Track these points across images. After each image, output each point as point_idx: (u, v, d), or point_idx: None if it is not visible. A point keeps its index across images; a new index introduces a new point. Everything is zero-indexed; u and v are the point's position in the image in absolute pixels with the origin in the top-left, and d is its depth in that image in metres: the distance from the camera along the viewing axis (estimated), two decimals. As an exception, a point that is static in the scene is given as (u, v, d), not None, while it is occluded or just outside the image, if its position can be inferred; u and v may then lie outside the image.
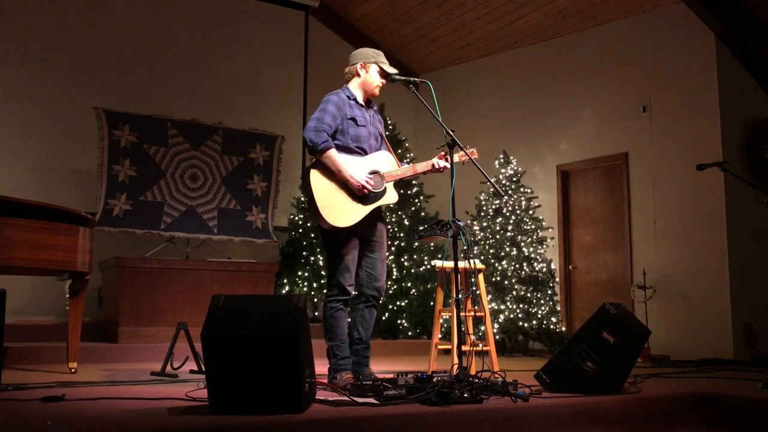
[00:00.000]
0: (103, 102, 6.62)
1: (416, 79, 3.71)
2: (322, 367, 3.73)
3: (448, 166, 3.70)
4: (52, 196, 6.06)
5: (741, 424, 3.33)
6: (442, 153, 3.84)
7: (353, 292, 3.74)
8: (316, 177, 3.58)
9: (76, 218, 4.36)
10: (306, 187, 3.64)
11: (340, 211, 3.57)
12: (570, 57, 7.80)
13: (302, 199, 7.66)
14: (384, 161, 3.77)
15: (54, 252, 4.11)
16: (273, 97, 8.20)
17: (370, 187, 3.59)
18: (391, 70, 3.78)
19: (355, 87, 3.81)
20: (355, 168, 3.62)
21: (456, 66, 9.05)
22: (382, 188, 3.69)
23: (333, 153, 3.57)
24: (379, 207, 3.74)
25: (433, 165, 3.84)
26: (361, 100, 3.80)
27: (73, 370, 4.33)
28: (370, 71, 3.78)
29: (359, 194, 3.60)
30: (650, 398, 3.43)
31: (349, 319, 3.82)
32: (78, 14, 7.27)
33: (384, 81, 3.82)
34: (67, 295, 4.44)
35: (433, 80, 4.04)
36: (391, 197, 3.74)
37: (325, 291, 4.25)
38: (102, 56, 7.30)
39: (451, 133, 3.55)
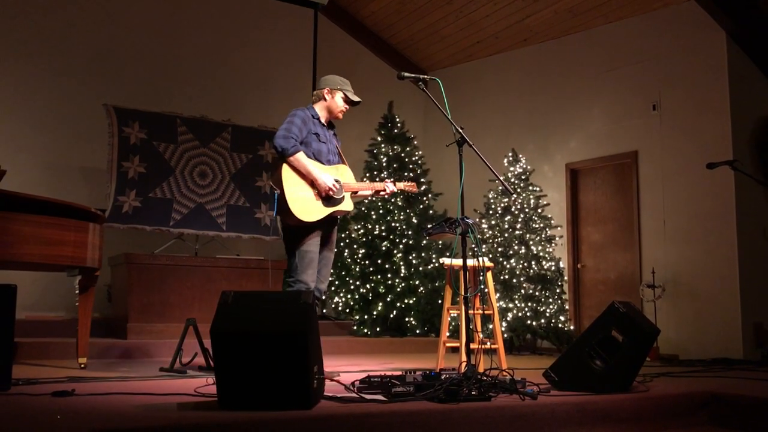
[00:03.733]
0: (113, 99, 6.64)
1: (425, 76, 3.81)
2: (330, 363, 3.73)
3: (395, 190, 4.23)
4: (62, 192, 6.08)
5: (751, 424, 3.31)
6: (393, 181, 4.28)
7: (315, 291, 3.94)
8: (287, 173, 3.83)
9: (86, 214, 4.38)
10: (277, 182, 3.83)
11: (306, 207, 3.82)
12: (580, 55, 7.77)
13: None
14: (344, 173, 4.10)
15: (64, 248, 4.12)
16: (282, 95, 8.20)
17: (334, 191, 3.89)
18: (355, 98, 4.14)
19: (320, 108, 4.14)
20: (322, 171, 3.91)
21: (465, 64, 9.04)
22: (342, 196, 3.98)
23: (302, 156, 3.86)
24: (336, 215, 4.03)
25: (384, 187, 4.20)
26: (323, 120, 4.13)
27: (82, 366, 4.36)
28: (335, 97, 4.14)
29: (324, 195, 3.88)
30: (659, 397, 3.43)
31: None
32: (89, 12, 7.29)
33: (347, 107, 4.17)
34: (77, 291, 4.46)
35: (443, 78, 4.04)
36: (348, 205, 4.03)
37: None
38: (112, 54, 7.32)
39: (461, 131, 3.59)
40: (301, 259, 3.88)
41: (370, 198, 4.50)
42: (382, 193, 4.22)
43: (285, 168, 3.83)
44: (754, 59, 6.79)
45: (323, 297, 4.11)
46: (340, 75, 4.22)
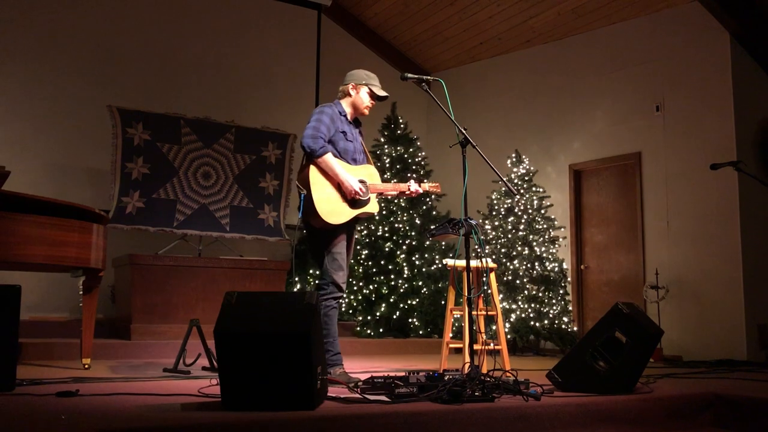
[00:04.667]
0: (117, 100, 6.65)
1: (428, 77, 3.79)
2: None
3: (420, 191, 4.13)
4: (67, 193, 6.12)
5: (755, 425, 3.30)
6: (419, 182, 4.22)
7: (345, 291, 3.97)
8: (314, 174, 3.77)
9: (90, 215, 4.39)
10: (304, 183, 3.78)
11: (332, 209, 3.77)
12: (583, 56, 7.77)
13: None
14: (370, 174, 4.02)
15: (68, 249, 4.13)
16: (285, 96, 8.22)
17: (361, 194, 3.82)
18: (382, 93, 4.04)
19: (346, 104, 4.06)
20: (349, 174, 3.84)
21: (469, 65, 9.04)
22: (367, 197, 3.91)
23: (330, 157, 3.78)
24: (361, 216, 3.96)
25: (408, 187, 4.12)
26: (349, 117, 4.05)
27: (86, 366, 4.37)
28: (360, 92, 4.03)
29: (350, 197, 3.82)
30: (663, 398, 3.42)
31: None
32: (93, 14, 7.31)
33: (374, 102, 4.07)
34: (81, 292, 4.46)
35: (446, 79, 4.05)
36: (373, 207, 3.98)
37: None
38: (116, 55, 7.34)
39: (464, 132, 3.59)
40: (331, 262, 3.83)
41: (394, 198, 4.46)
42: (407, 193, 4.13)
43: (312, 169, 3.76)
44: (758, 60, 6.78)
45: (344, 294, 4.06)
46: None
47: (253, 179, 7.03)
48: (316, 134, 3.75)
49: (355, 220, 3.95)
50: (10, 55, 6.85)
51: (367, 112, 4.07)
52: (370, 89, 4.01)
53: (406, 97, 8.30)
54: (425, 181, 4.35)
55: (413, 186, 4.12)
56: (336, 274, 3.83)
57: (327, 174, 3.78)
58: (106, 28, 7.35)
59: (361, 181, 3.88)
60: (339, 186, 3.80)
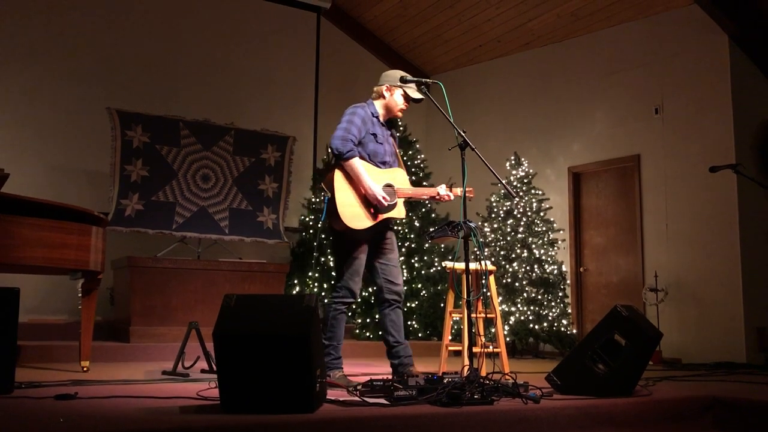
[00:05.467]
0: (116, 102, 6.66)
1: (428, 80, 3.81)
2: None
3: (452, 197, 4.03)
4: (66, 195, 6.10)
5: (754, 428, 3.31)
6: (449, 186, 4.11)
7: (358, 298, 3.88)
8: (339, 177, 3.72)
9: (89, 218, 4.39)
10: (328, 185, 3.73)
11: (355, 213, 3.71)
12: (582, 58, 7.77)
13: (313, 199, 7.67)
14: (399, 177, 3.95)
15: (67, 251, 4.13)
16: (285, 98, 8.22)
17: (384, 202, 3.75)
18: (417, 96, 3.94)
19: (379, 106, 3.99)
20: (374, 179, 3.77)
21: (468, 67, 9.05)
22: (394, 202, 3.85)
23: (357, 162, 3.72)
24: (382, 221, 3.88)
25: (437, 192, 4.05)
26: (382, 119, 3.98)
27: (85, 369, 4.36)
28: (395, 94, 3.95)
29: (373, 203, 3.75)
30: (662, 401, 3.42)
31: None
32: (93, 16, 7.32)
33: (407, 104, 3.99)
34: (80, 294, 4.46)
35: (445, 81, 4.05)
36: (399, 212, 3.91)
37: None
38: (116, 57, 7.35)
39: (463, 134, 3.59)
40: (347, 266, 3.80)
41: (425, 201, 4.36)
42: (437, 197, 4.05)
43: (337, 173, 3.71)
44: (757, 62, 6.79)
45: (402, 298, 3.96)
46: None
47: (252, 182, 7.03)
48: (346, 136, 3.69)
49: (384, 225, 3.89)
50: (9, 58, 6.85)
51: (400, 114, 4.01)
52: (404, 91, 3.94)
53: (405, 100, 8.31)
54: (454, 184, 4.26)
55: (443, 190, 4.02)
56: (351, 279, 3.79)
57: (351, 178, 3.72)
58: (106, 30, 7.36)
59: (389, 185, 3.83)
60: (364, 191, 3.74)
